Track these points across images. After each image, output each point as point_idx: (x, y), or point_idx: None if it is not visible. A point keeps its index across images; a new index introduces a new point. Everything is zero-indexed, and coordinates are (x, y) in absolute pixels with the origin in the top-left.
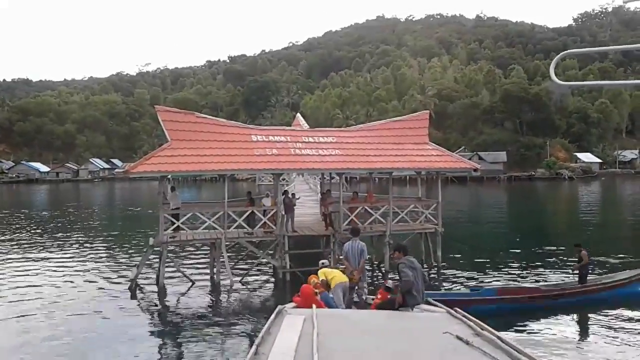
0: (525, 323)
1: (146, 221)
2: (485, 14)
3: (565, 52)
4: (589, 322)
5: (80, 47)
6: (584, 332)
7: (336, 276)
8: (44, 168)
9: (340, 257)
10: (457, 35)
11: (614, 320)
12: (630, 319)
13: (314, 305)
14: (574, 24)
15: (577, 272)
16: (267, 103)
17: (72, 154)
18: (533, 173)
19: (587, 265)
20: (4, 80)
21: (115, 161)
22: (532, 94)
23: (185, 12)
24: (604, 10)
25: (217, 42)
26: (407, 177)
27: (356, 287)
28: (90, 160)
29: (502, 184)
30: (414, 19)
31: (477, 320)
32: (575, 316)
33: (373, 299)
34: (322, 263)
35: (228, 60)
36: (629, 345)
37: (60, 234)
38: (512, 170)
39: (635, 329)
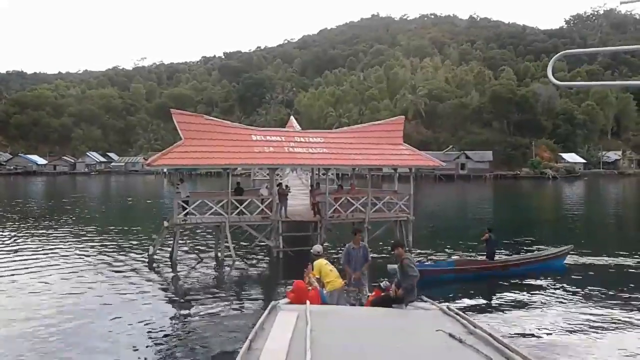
0: (478, 288)
1: (147, 209)
2: (478, 14)
3: (562, 52)
4: (524, 286)
5: (75, 40)
6: (521, 294)
7: (333, 281)
8: (41, 161)
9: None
10: (450, 35)
11: (543, 285)
12: (554, 284)
13: (307, 302)
14: (565, 25)
15: (485, 251)
16: (261, 100)
17: (68, 147)
18: (518, 172)
19: (490, 245)
20: None
21: (112, 155)
22: (519, 95)
23: (180, 7)
24: (595, 12)
25: (213, 38)
26: (397, 174)
27: (357, 291)
28: (87, 153)
29: (488, 182)
30: (408, 19)
31: (470, 318)
32: (513, 282)
33: (367, 297)
34: (317, 252)
35: (223, 56)
36: (552, 304)
37: (74, 221)
38: (499, 169)
39: (559, 293)
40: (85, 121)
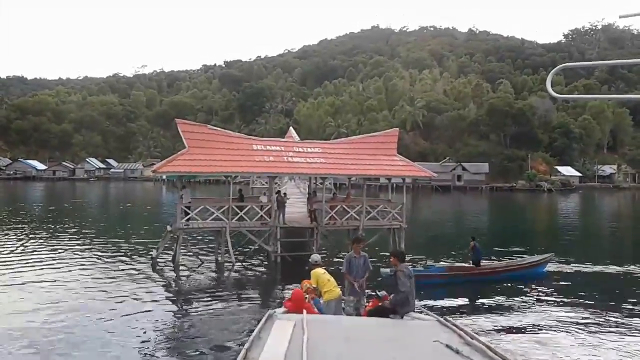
0: (466, 292)
1: (148, 215)
2: (477, 28)
3: (562, 65)
4: (509, 290)
5: (76, 46)
6: (505, 298)
7: (330, 290)
8: (40, 166)
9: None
10: (449, 48)
11: (526, 290)
12: (536, 289)
13: (304, 311)
14: (563, 40)
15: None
16: (261, 109)
17: (68, 153)
18: (514, 184)
19: (476, 252)
20: None
21: (111, 161)
22: (516, 108)
23: (182, 15)
24: (594, 27)
25: (214, 47)
26: (395, 185)
27: (355, 300)
28: (87, 159)
29: (484, 194)
30: (407, 30)
31: (467, 330)
32: (499, 287)
33: (365, 306)
34: (315, 261)
35: (224, 65)
36: (534, 307)
37: (77, 225)
38: (495, 181)
39: (540, 297)
40: (85, 127)
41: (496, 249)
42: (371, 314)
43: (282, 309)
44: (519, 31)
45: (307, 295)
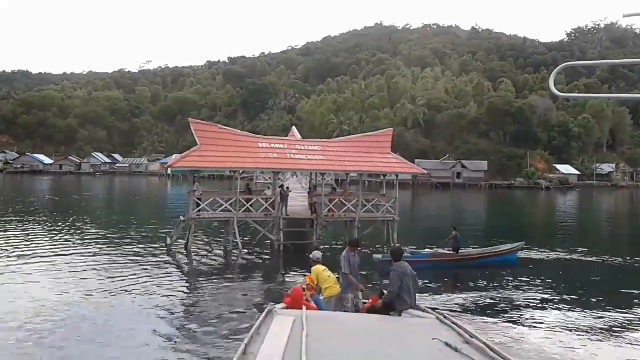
0: (447, 275)
1: (157, 207)
2: (480, 26)
3: (564, 64)
4: (483, 275)
5: (80, 41)
6: (480, 280)
7: (330, 287)
8: (47, 160)
9: (343, 270)
10: (451, 46)
11: (498, 273)
12: (506, 273)
13: (303, 307)
14: (566, 38)
15: (451, 245)
16: (264, 105)
17: (73, 147)
18: (512, 182)
19: (456, 241)
20: (4, 71)
21: (116, 156)
22: (516, 107)
23: (186, 11)
24: (596, 26)
25: (218, 43)
26: (394, 181)
27: (354, 297)
28: (93, 154)
29: (483, 191)
30: (410, 28)
31: (467, 328)
32: (476, 272)
33: (364, 303)
34: (317, 258)
35: (228, 61)
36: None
37: (92, 215)
38: (494, 178)
39: (510, 280)
40: (90, 122)
41: (487, 240)
42: (370, 310)
43: (282, 305)
44: (522, 29)
45: (306, 292)
